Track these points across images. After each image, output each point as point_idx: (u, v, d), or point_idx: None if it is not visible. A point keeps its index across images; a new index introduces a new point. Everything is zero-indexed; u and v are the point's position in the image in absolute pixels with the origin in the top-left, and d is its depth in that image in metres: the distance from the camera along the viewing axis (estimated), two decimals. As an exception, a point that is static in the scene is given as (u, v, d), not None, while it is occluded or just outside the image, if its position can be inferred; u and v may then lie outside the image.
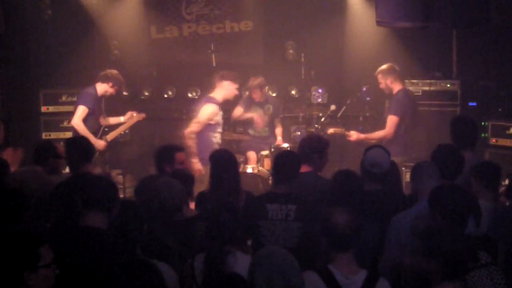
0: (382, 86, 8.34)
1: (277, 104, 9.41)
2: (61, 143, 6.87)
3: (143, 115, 9.00)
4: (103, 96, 8.52)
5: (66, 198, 4.67)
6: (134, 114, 8.88)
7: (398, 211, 4.86)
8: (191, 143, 7.97)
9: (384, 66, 8.30)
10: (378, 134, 8.28)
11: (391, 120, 8.11)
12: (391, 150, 7.56)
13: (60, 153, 6.29)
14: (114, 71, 8.57)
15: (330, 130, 8.54)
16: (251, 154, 8.92)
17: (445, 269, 3.45)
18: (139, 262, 3.38)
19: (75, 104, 8.44)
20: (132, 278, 3.23)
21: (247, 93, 9.23)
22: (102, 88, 8.41)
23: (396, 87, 8.22)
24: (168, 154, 6.10)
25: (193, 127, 8.07)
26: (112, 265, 3.38)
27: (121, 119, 8.86)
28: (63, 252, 3.88)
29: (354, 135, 8.36)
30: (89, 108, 8.24)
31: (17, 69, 9.66)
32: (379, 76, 8.29)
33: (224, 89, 8.33)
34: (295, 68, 10.10)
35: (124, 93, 9.07)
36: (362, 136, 8.38)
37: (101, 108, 8.64)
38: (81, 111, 8.22)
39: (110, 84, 8.42)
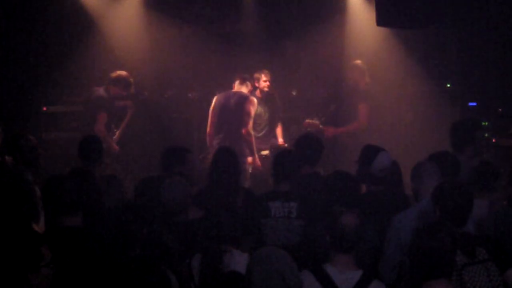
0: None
1: (277, 101, 9.38)
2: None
3: (133, 107, 8.92)
4: (114, 98, 8.46)
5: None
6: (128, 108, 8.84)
7: (398, 211, 4.87)
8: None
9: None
10: (353, 125, 8.38)
11: (362, 109, 8.25)
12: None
13: (21, 146, 6.09)
14: (125, 73, 8.48)
15: (307, 121, 8.64)
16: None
17: (430, 267, 3.48)
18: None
19: (93, 110, 8.23)
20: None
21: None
22: (114, 91, 8.34)
23: (362, 80, 8.47)
24: (180, 155, 5.92)
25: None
26: (106, 265, 3.36)
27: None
28: (60, 252, 3.87)
29: (330, 129, 8.46)
30: (109, 114, 8.18)
31: (17, 69, 9.65)
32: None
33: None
34: (295, 68, 10.10)
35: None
36: (339, 130, 8.47)
37: None
38: (104, 118, 8.13)
39: (122, 86, 8.38)
